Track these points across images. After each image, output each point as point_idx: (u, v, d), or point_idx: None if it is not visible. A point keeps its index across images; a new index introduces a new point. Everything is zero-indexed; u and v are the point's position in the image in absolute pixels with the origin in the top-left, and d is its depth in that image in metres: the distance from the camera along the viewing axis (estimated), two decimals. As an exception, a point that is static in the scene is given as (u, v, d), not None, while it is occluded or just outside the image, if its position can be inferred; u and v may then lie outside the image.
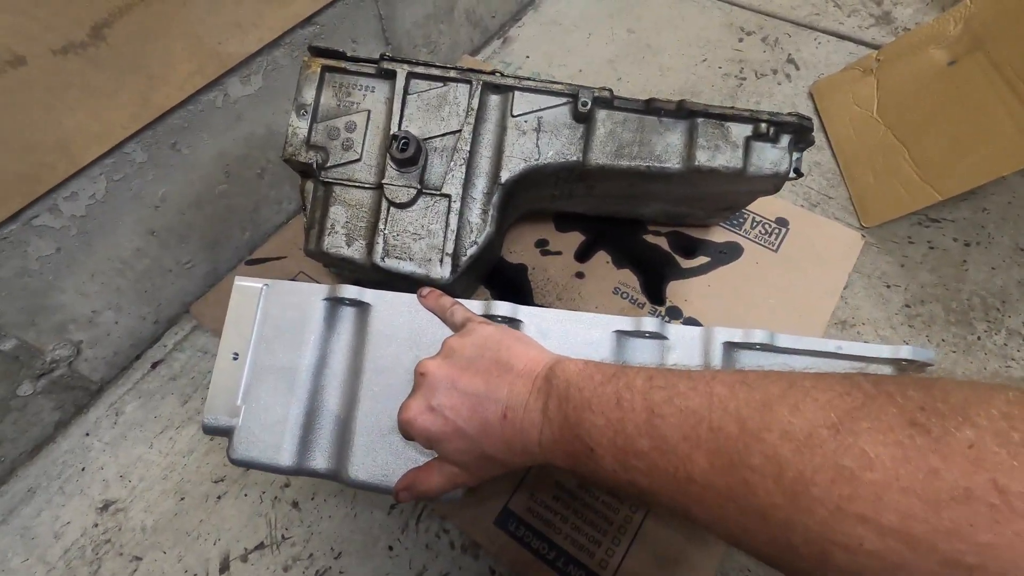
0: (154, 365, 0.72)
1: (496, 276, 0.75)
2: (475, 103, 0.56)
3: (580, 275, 0.75)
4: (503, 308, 0.41)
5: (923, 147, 0.77)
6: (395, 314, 0.40)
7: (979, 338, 0.69)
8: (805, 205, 0.82)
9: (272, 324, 0.41)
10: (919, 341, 0.69)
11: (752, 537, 0.25)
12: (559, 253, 0.77)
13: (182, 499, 0.63)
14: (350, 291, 0.41)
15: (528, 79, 0.57)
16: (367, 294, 0.41)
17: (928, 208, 0.76)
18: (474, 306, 0.41)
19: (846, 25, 1.04)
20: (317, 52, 0.58)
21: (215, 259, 0.76)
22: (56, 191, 0.56)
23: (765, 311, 0.71)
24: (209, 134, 0.67)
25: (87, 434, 0.67)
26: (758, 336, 0.41)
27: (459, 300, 0.43)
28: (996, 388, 0.21)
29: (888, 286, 0.74)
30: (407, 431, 0.37)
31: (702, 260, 0.76)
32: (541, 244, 0.78)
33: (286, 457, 0.38)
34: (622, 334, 0.41)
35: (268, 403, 0.40)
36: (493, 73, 0.57)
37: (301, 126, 0.57)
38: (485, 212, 0.57)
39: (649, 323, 0.41)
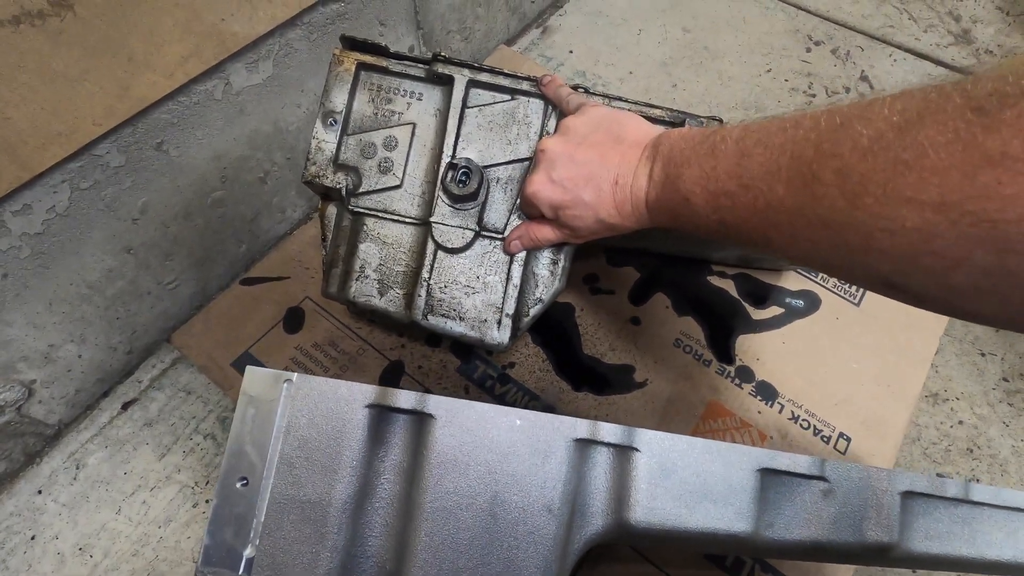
0: (125, 406, 0.60)
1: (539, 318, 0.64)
2: (552, 125, 0.45)
3: (636, 321, 0.65)
4: (615, 434, 0.30)
5: None
6: (467, 433, 0.29)
7: (1087, 424, 0.61)
8: (887, 251, 0.72)
9: (297, 438, 0.29)
10: (1020, 423, 0.61)
11: (817, 246, 0.27)
12: (611, 292, 0.66)
13: (156, 583, 0.51)
14: (406, 398, 0.29)
15: (619, 99, 0.45)
16: (430, 402, 0.30)
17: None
18: (580, 427, 0.30)
19: (923, 42, 0.94)
20: (351, 45, 0.45)
21: (204, 277, 0.64)
22: (2, 204, 0.43)
23: (848, 378, 0.62)
24: (204, 132, 0.54)
25: (39, 491, 0.55)
26: (950, 488, 0.31)
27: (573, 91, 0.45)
28: None
29: (983, 354, 0.65)
30: (532, 202, 0.42)
31: (775, 311, 0.66)
32: (591, 280, 0.67)
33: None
34: (770, 474, 0.31)
35: (289, 552, 0.28)
36: (576, 88, 0.45)
37: (328, 139, 0.44)
38: (555, 263, 0.46)
39: (806, 462, 0.31)
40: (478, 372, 0.60)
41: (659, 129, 0.40)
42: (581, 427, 0.30)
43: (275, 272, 0.67)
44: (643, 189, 0.38)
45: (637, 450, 0.30)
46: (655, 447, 0.30)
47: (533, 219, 0.45)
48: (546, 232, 0.44)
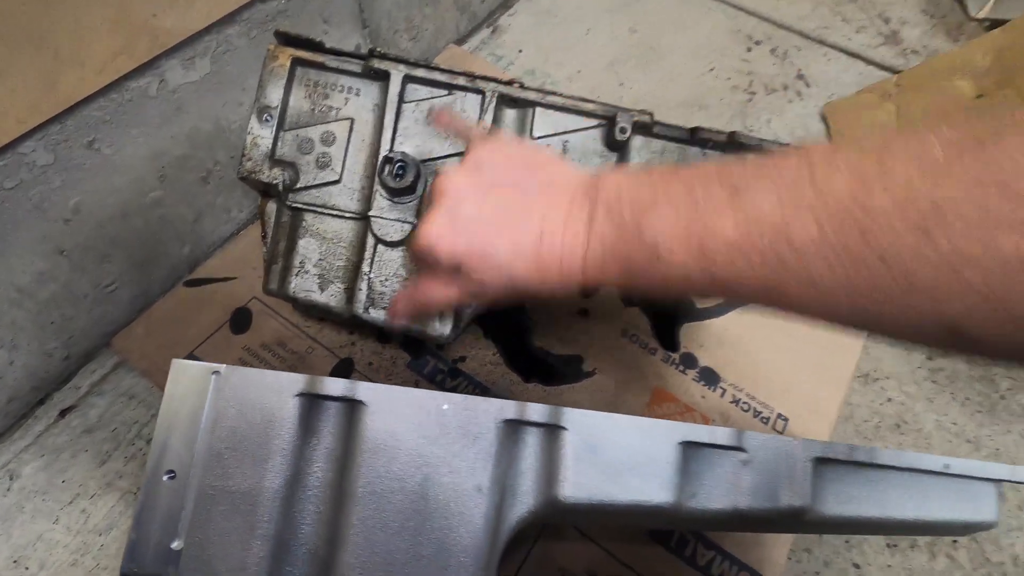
0: (63, 413, 0.58)
1: (489, 311, 0.65)
2: (488, 119, 0.46)
3: (584, 313, 0.66)
4: (542, 413, 0.31)
5: (948, 186, 0.72)
6: (398, 419, 0.30)
7: (1003, 397, 0.65)
8: (822, 240, 0.76)
9: (226, 429, 0.29)
10: (943, 399, 0.65)
11: (863, 297, 0.22)
12: (560, 285, 0.68)
13: (97, 592, 0.50)
14: (336, 386, 0.30)
15: (553, 93, 0.46)
16: (360, 389, 0.30)
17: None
18: (508, 408, 0.31)
19: (854, 42, 0.99)
20: (286, 40, 0.45)
21: (145, 280, 0.62)
22: (-82, 204, 0.42)
23: (786, 362, 0.65)
24: (140, 130, 0.53)
25: (-31, 504, 0.53)
26: (858, 453, 0.33)
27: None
28: None
29: (909, 335, 0.69)
30: (429, 253, 0.33)
31: (717, 300, 0.68)
32: (540, 274, 0.68)
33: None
34: (692, 447, 0.32)
35: (218, 544, 0.28)
36: (511, 83, 0.46)
37: (264, 135, 0.44)
38: (495, 254, 0.47)
39: (724, 434, 0.33)
40: (428, 367, 0.60)
41: (587, 172, 0.33)
42: (509, 408, 0.31)
43: (221, 273, 0.66)
44: (580, 243, 0.30)
45: (564, 428, 0.31)
46: (581, 425, 0.32)
47: (423, 273, 0.36)
48: (439, 291, 0.35)
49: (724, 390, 0.63)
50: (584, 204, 0.30)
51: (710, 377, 0.63)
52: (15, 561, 0.51)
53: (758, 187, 0.24)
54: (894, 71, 0.92)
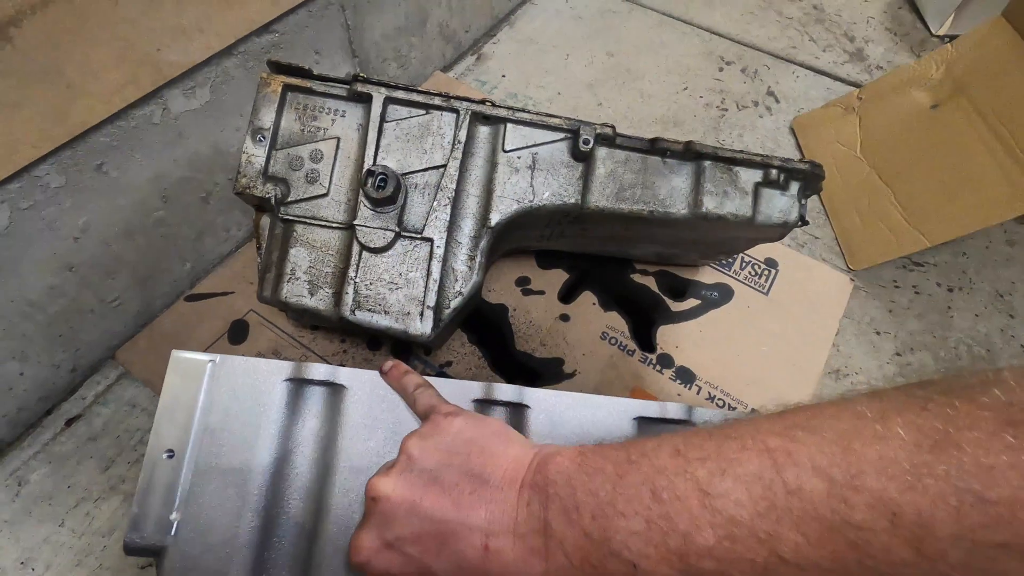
0: (69, 422, 0.61)
1: (474, 318, 0.68)
2: (463, 135, 0.50)
3: (565, 317, 0.69)
4: (507, 393, 0.34)
5: (909, 190, 0.76)
6: (376, 400, 0.33)
7: (969, 389, 0.67)
8: (792, 245, 0.80)
9: (220, 412, 0.33)
10: (912, 392, 0.67)
11: None
12: (542, 293, 0.71)
13: (99, 591, 0.52)
14: (320, 371, 0.33)
15: (522, 110, 0.51)
16: (341, 374, 0.33)
17: (913, 252, 0.75)
18: (473, 389, 0.34)
19: (822, 60, 1.04)
20: (278, 68, 0.50)
21: (148, 295, 0.66)
22: (-59, 223, 0.46)
23: (758, 360, 0.68)
24: (144, 154, 0.57)
25: (-21, 510, 0.56)
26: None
27: (427, 380, 0.36)
28: None
29: (878, 333, 0.72)
30: (363, 572, 0.31)
31: (692, 303, 0.72)
32: (522, 282, 0.72)
33: (235, 588, 0.30)
34: (645, 421, 0.35)
35: (212, 516, 0.31)
36: (483, 102, 0.50)
37: (258, 154, 0.48)
38: (472, 259, 0.51)
39: (675, 409, 0.36)
40: (416, 371, 0.63)
41: (532, 450, 0.31)
42: (477, 389, 0.34)
43: (220, 288, 0.70)
44: (537, 552, 0.27)
45: (528, 407, 0.34)
46: (543, 404, 0.35)
47: None
48: None
49: (700, 388, 0.65)
50: (534, 507, 0.28)
51: (686, 376, 0.66)
52: (22, 563, 0.53)
53: (728, 489, 0.23)
54: (859, 86, 0.97)
